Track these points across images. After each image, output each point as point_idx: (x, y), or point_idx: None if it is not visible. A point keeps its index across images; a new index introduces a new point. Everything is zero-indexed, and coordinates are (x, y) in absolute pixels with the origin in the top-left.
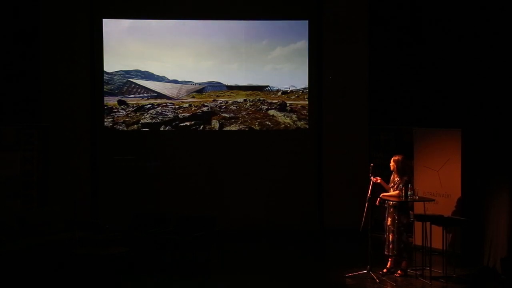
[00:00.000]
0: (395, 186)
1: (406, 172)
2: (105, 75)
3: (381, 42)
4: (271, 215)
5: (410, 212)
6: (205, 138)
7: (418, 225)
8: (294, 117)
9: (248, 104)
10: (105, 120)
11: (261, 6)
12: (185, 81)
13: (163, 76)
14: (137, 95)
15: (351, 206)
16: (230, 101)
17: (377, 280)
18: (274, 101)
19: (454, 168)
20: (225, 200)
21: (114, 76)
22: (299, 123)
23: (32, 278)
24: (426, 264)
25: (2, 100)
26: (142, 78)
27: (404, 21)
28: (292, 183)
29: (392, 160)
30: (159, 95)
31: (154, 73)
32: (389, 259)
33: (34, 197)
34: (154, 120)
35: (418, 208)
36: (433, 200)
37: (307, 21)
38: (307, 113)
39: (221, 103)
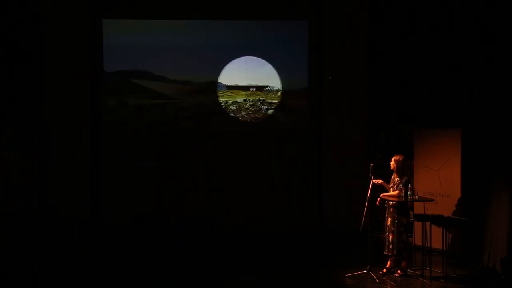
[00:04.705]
0: (395, 186)
1: (406, 172)
2: (105, 75)
3: (381, 42)
4: (271, 215)
5: (410, 212)
6: (205, 138)
7: (418, 225)
8: (294, 117)
9: (248, 104)
10: (105, 120)
11: (260, 6)
12: (185, 81)
13: (163, 76)
14: (137, 95)
15: (351, 206)
16: (230, 101)
17: (377, 280)
18: (274, 101)
19: (454, 168)
20: (225, 200)
21: (114, 76)
22: (299, 123)
23: (32, 278)
24: (426, 264)
25: (2, 100)
26: (142, 78)
27: (404, 21)
28: (292, 183)
29: (392, 160)
30: (159, 95)
31: (154, 73)
32: (389, 259)
33: (34, 197)
34: (154, 120)
35: (418, 208)
36: (433, 200)
37: (306, 21)
38: (307, 113)
39: (221, 103)
